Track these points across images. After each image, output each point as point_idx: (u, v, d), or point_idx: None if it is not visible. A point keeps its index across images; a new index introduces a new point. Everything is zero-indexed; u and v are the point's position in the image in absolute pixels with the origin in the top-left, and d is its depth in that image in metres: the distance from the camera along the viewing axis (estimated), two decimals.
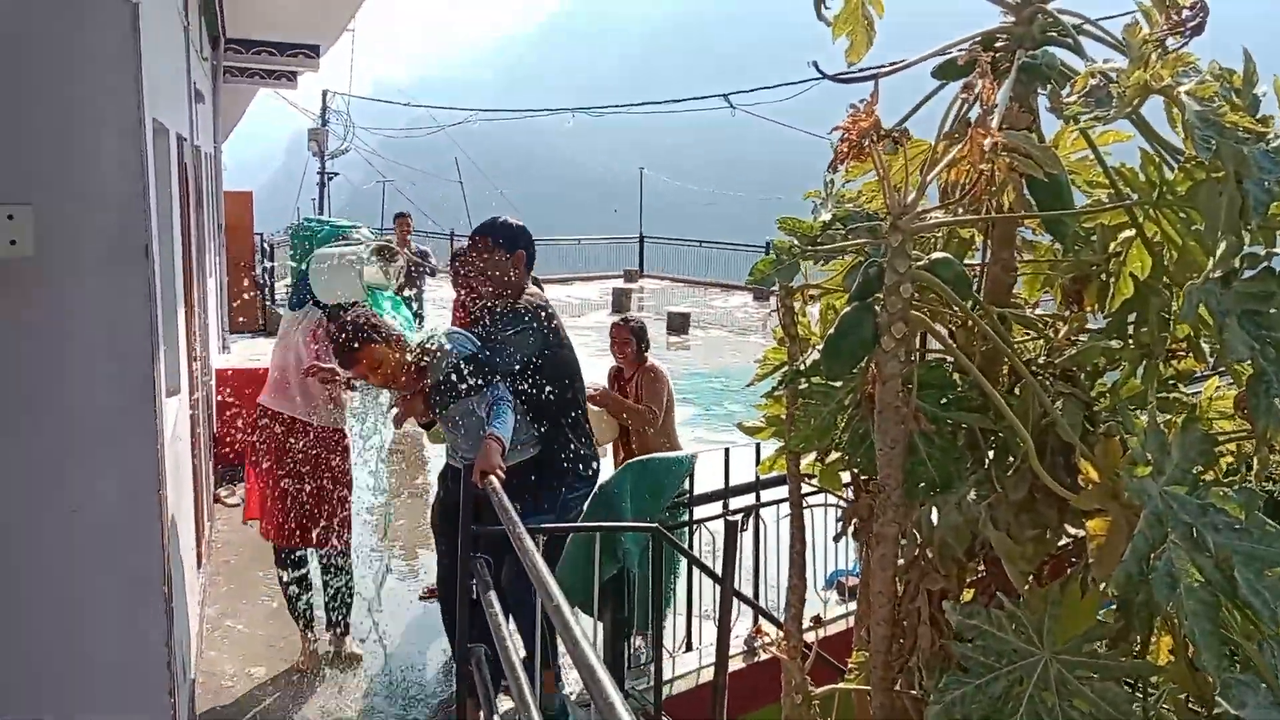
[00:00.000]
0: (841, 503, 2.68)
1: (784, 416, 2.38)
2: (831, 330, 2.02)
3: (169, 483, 2.99)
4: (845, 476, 2.49)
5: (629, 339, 5.54)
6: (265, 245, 16.68)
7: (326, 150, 27.31)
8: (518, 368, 3.86)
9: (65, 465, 2.61)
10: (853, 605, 5.16)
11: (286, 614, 4.80)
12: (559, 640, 3.87)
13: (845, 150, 1.86)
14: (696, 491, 4.77)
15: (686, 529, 4.77)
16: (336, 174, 28.43)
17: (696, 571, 4.58)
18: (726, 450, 4.82)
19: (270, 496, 4.53)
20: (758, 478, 4.79)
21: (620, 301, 19.70)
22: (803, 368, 2.26)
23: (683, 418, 11.57)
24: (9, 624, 2.58)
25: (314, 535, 4.52)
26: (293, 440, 4.48)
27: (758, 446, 4.79)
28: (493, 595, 3.10)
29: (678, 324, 17.25)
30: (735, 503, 4.91)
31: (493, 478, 3.15)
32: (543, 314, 3.97)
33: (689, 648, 4.83)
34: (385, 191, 31.98)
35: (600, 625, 4.27)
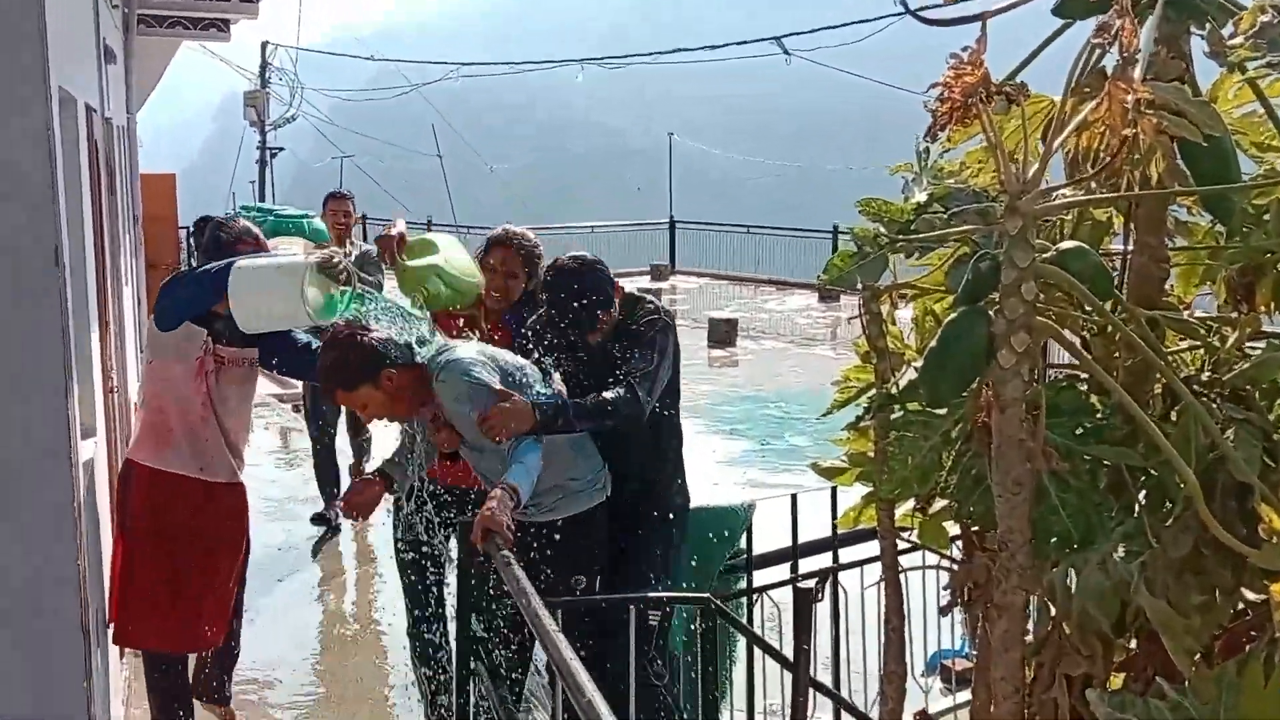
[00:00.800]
0: (948, 564, 2.69)
1: (872, 454, 2.40)
2: (933, 343, 2.04)
3: (87, 551, 3.06)
4: (953, 530, 2.51)
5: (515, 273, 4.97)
6: (192, 242, 16.88)
7: (267, 118, 27.60)
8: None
9: None
10: (963, 696, 5.15)
11: None
12: None
13: (946, 112, 1.89)
14: (756, 550, 4.79)
15: (744, 599, 4.78)
16: (281, 149, 28.72)
17: (759, 654, 4.59)
18: (794, 497, 4.84)
19: (153, 585, 4.39)
20: (835, 532, 4.81)
21: None
22: (895, 391, 2.28)
23: (731, 455, 11.67)
24: None
25: (207, 633, 4.40)
26: (181, 505, 4.26)
27: (834, 492, 4.83)
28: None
29: (721, 334, 17.27)
30: (806, 564, 4.92)
31: (499, 538, 3.18)
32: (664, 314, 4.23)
33: None
34: (343, 168, 32.28)
35: None
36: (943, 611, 2.44)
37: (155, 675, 4.47)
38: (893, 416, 2.28)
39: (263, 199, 25.57)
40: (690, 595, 4.20)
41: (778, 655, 3.89)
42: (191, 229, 13.01)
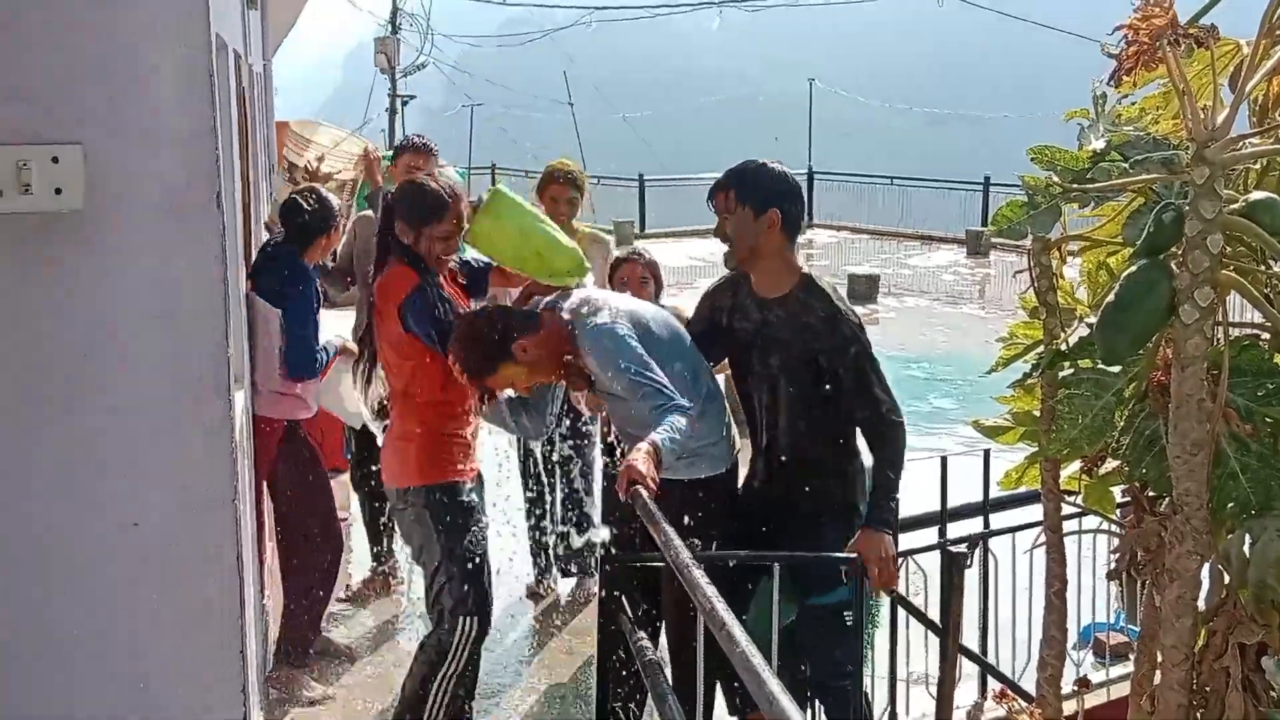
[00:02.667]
0: (1113, 529, 2.68)
1: (1038, 413, 2.39)
2: (1110, 297, 2.03)
3: (244, 494, 3.22)
4: (1119, 494, 2.50)
5: (646, 277, 5.08)
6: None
7: (398, 65, 27.97)
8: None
9: (117, 470, 2.83)
10: (1114, 670, 5.09)
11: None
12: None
13: (1132, 56, 1.87)
14: (901, 514, 4.78)
15: None
16: (412, 96, 29.09)
17: (902, 619, 4.60)
18: (943, 460, 4.81)
19: None
20: (986, 496, 4.77)
21: None
22: (1066, 347, 2.27)
23: None
24: (54, 664, 2.83)
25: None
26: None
27: (986, 455, 4.78)
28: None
29: (862, 290, 17.12)
30: (954, 529, 4.90)
31: (644, 491, 3.24)
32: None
33: (893, 719, 4.85)
34: (473, 117, 32.64)
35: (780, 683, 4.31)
36: (1110, 576, 2.44)
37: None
38: (1062, 374, 2.28)
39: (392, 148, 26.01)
40: (837, 555, 4.21)
41: (927, 620, 3.90)
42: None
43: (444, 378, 3.95)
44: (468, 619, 3.99)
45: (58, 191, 2.72)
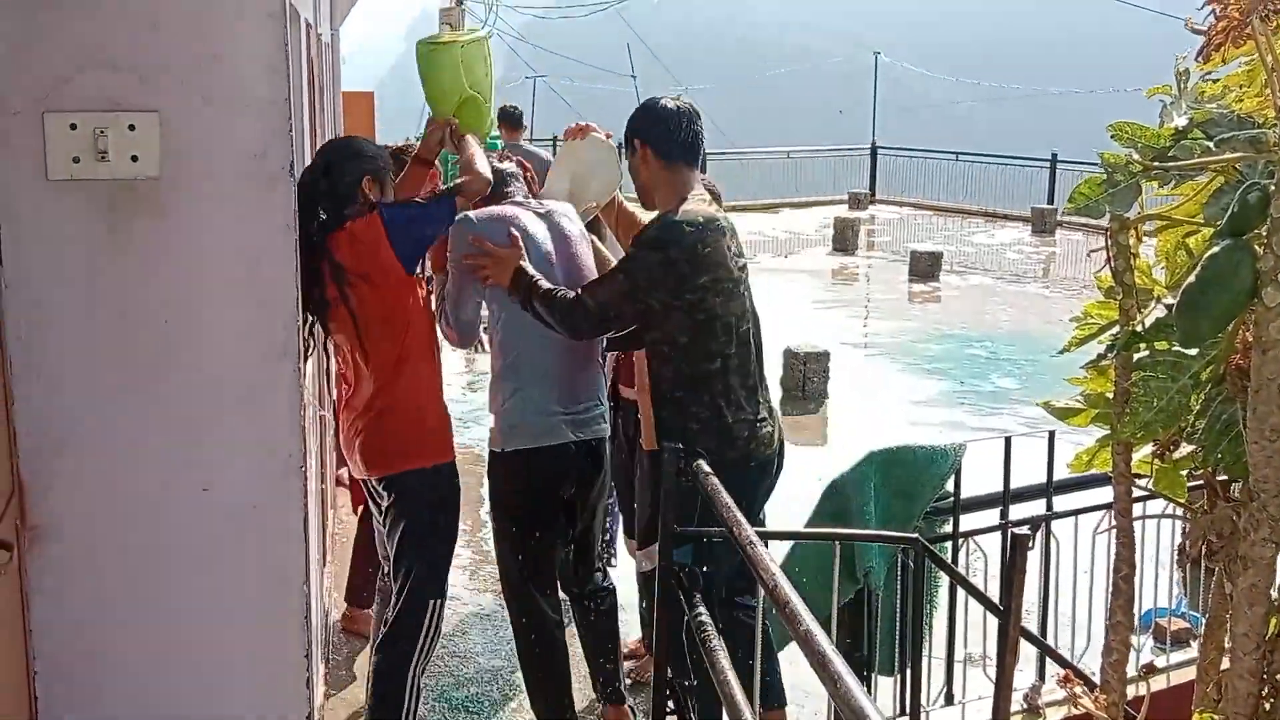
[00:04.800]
0: (1180, 514, 2.65)
1: (1111, 395, 2.36)
2: (1191, 278, 2.00)
3: (311, 462, 3.27)
4: (1191, 479, 2.46)
5: None
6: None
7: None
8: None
9: (195, 432, 2.89)
10: (1176, 656, 5.04)
11: None
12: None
13: (1221, 31, 1.83)
14: (964, 494, 4.75)
15: (950, 543, 4.76)
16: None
17: (961, 600, 4.58)
18: (1007, 440, 4.77)
19: None
20: (1050, 478, 4.73)
21: (844, 235, 19.57)
22: (1142, 329, 2.24)
23: (930, 395, 11.53)
24: (134, 617, 2.90)
25: None
26: None
27: (1050, 437, 4.74)
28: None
29: (925, 267, 16.98)
30: (1016, 511, 4.86)
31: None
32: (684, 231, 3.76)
33: (949, 701, 4.84)
34: (535, 89, 32.69)
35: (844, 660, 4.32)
36: (1179, 563, 2.40)
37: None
38: (1138, 356, 2.24)
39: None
40: (897, 535, 4.21)
41: (988, 601, 3.87)
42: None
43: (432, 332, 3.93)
44: (437, 601, 3.95)
45: (134, 159, 2.77)
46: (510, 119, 10.95)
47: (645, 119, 3.94)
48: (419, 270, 3.95)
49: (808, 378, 10.65)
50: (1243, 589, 2.06)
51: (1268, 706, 2.16)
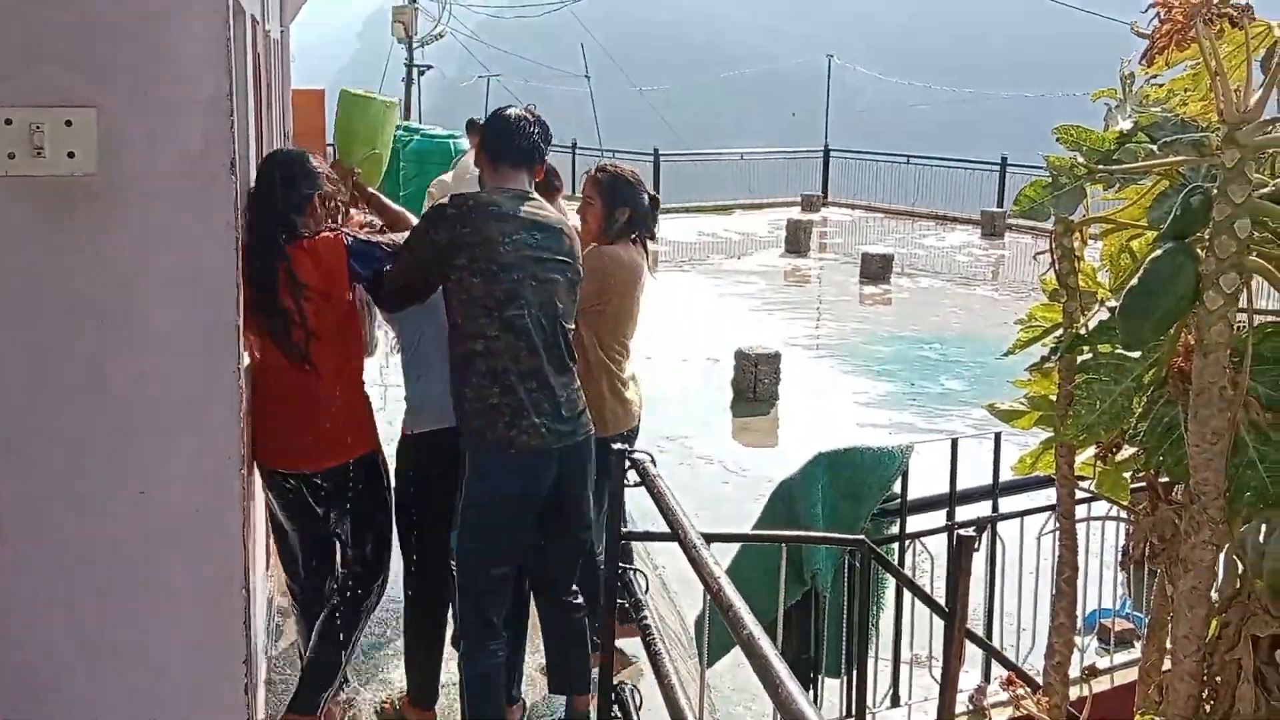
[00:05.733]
0: (1123, 516, 2.65)
1: (1055, 397, 2.36)
2: (1133, 281, 1.99)
3: (247, 453, 3.20)
4: (1131, 480, 2.47)
5: (594, 196, 4.86)
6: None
7: (415, 35, 27.87)
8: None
9: (134, 433, 2.82)
10: (1120, 656, 5.08)
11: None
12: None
13: (1164, 35, 1.83)
14: (911, 495, 4.76)
15: (896, 545, 4.77)
16: (429, 67, 29.01)
17: (908, 601, 4.59)
18: (954, 442, 4.79)
19: None
20: (996, 480, 4.75)
21: (796, 237, 19.63)
22: (1086, 331, 2.24)
23: (880, 396, 11.59)
24: (70, 621, 2.83)
25: None
26: None
27: (997, 439, 4.76)
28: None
29: (876, 269, 17.07)
30: (963, 512, 4.88)
31: None
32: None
33: (895, 702, 4.85)
34: (489, 88, 32.57)
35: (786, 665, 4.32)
36: (1122, 565, 2.41)
37: None
38: (1081, 358, 2.24)
39: (408, 118, 25.92)
40: (843, 536, 4.21)
41: (934, 603, 3.88)
42: None
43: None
44: (384, 576, 4.21)
45: (71, 155, 2.70)
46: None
47: (488, 125, 4.21)
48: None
49: (759, 379, 10.67)
50: (1183, 591, 2.07)
51: (1208, 708, 2.17)
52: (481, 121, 8.10)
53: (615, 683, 3.40)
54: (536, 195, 4.12)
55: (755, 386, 10.67)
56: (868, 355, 12.83)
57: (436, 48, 30.16)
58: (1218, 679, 2.12)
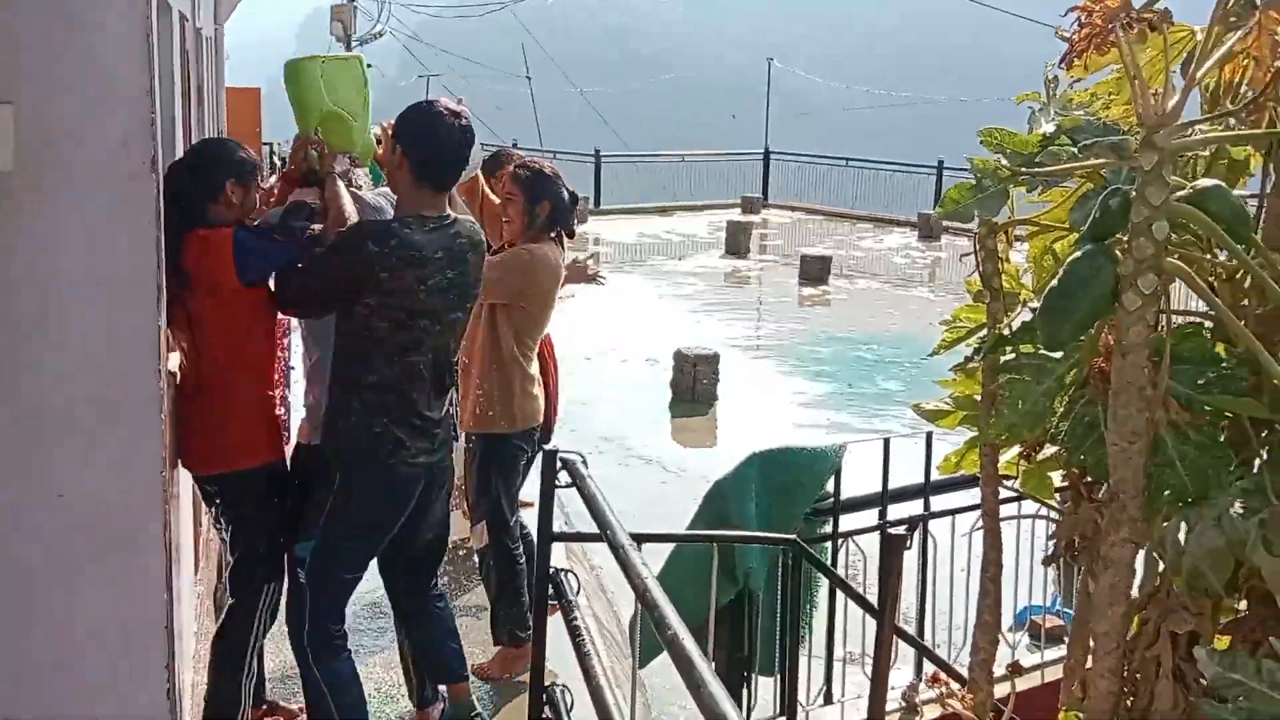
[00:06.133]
0: (1051, 514, 2.67)
1: (979, 397, 2.37)
2: (1054, 282, 2.00)
3: (169, 455, 3.14)
4: (1058, 479, 2.49)
5: (515, 192, 4.84)
6: (276, 159, 17.13)
7: (354, 34, 27.71)
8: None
9: (52, 435, 2.76)
10: (1049, 653, 5.13)
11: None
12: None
13: (1084, 38, 1.84)
14: (844, 495, 4.79)
15: (829, 544, 4.79)
16: (369, 66, 28.79)
17: (840, 600, 4.61)
18: (886, 442, 4.82)
19: None
20: (928, 479, 4.79)
21: (736, 239, 19.69)
22: (1009, 332, 2.25)
23: (817, 397, 11.65)
24: None
25: None
26: None
27: (928, 438, 4.79)
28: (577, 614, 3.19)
29: (814, 271, 17.18)
30: (895, 511, 4.91)
31: None
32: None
33: (828, 700, 4.87)
34: (429, 88, 32.40)
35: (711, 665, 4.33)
36: (1045, 563, 2.43)
37: None
38: (1004, 359, 2.26)
39: None
40: (775, 536, 4.23)
41: (863, 601, 3.90)
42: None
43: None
44: (274, 583, 4.04)
45: None
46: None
47: (416, 134, 3.81)
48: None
49: (698, 380, 10.68)
50: (1103, 589, 2.08)
51: (1128, 704, 2.19)
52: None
53: (547, 684, 3.38)
54: (452, 213, 3.90)
55: (694, 387, 10.68)
56: (806, 356, 12.90)
57: (377, 47, 29.96)
58: (1138, 676, 2.14)
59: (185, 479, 4.05)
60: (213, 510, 3.98)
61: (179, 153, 4.37)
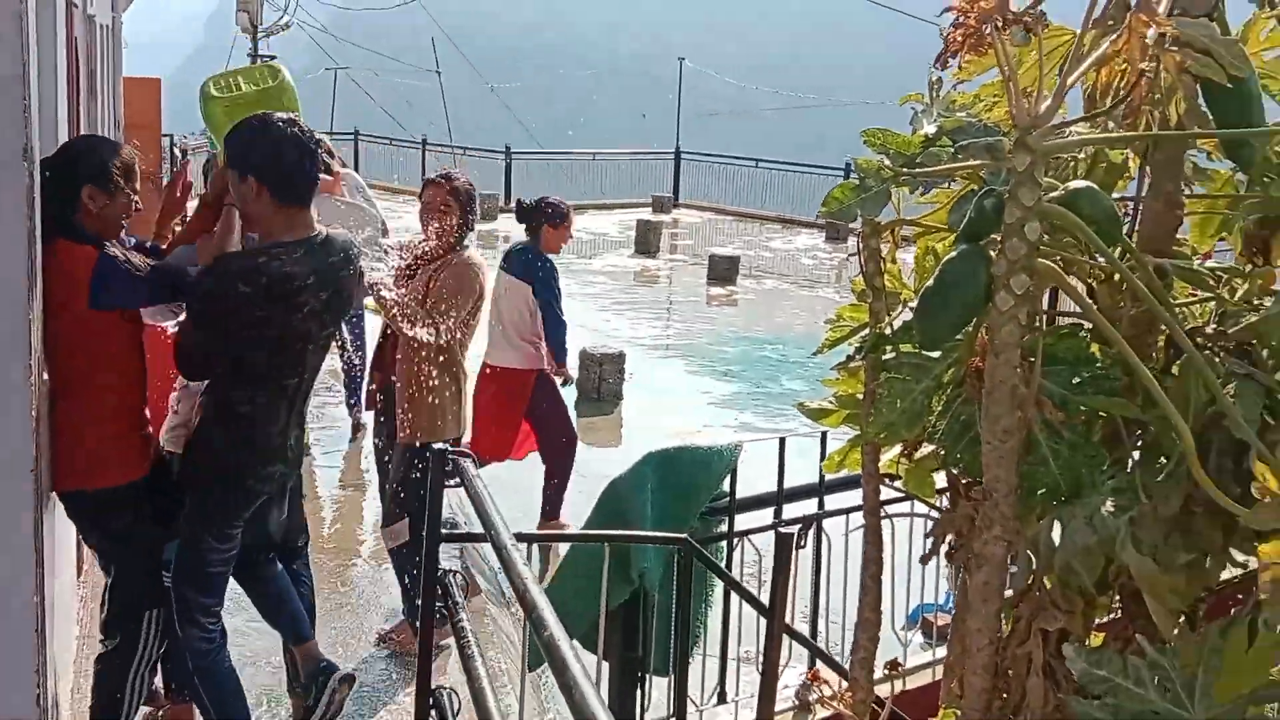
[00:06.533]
0: (933, 513, 2.69)
1: (860, 396, 2.38)
2: (930, 282, 2.01)
3: (44, 459, 3.05)
4: (940, 479, 2.50)
5: (449, 204, 5.23)
6: (177, 151, 16.79)
7: (261, 25, 27.31)
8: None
9: None
10: (943, 650, 5.19)
11: None
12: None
13: (958, 39, 1.85)
14: (740, 494, 4.80)
15: (725, 543, 4.80)
16: (273, 57, 28.41)
17: (736, 599, 4.62)
18: (782, 441, 4.85)
19: None
20: (822, 478, 4.82)
21: (646, 238, 19.71)
22: (889, 331, 2.26)
23: (724, 396, 11.68)
24: None
25: None
26: None
27: (823, 437, 4.82)
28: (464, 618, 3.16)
29: (723, 271, 17.25)
30: (791, 510, 4.93)
31: None
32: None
33: (722, 699, 4.88)
34: (337, 81, 31.98)
35: (605, 665, 4.31)
36: (922, 560, 2.44)
37: None
38: (885, 358, 2.26)
39: None
40: (667, 535, 4.21)
41: (754, 600, 3.91)
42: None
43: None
44: (155, 611, 3.94)
45: None
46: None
47: (257, 156, 3.70)
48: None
49: (603, 379, 10.67)
50: (976, 586, 2.09)
51: (1002, 700, 2.21)
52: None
53: (434, 687, 3.34)
54: (319, 226, 3.84)
55: (599, 386, 10.66)
56: (713, 355, 12.95)
57: (285, 40, 29.56)
58: (1009, 672, 2.16)
59: None
60: (80, 530, 3.91)
61: (63, 141, 4.24)
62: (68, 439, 3.60)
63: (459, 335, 5.15)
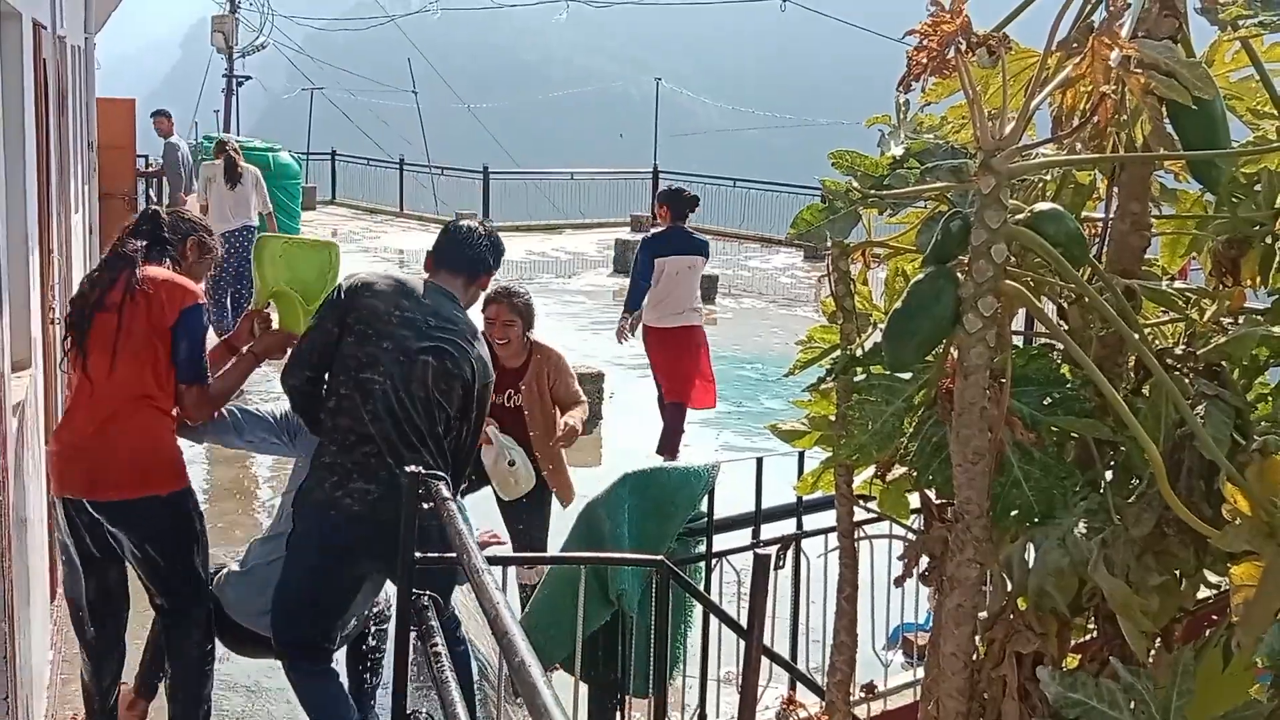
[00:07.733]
0: (908, 534, 2.69)
1: (833, 418, 2.38)
2: (899, 304, 2.02)
3: (13, 482, 3.02)
4: (913, 500, 2.50)
5: (513, 319, 5.76)
6: (151, 171, 16.71)
7: (236, 45, 27.28)
8: None
9: None
10: (920, 672, 5.19)
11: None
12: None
13: (922, 62, 1.86)
14: (718, 515, 4.79)
15: (703, 564, 4.78)
16: (249, 78, 28.39)
17: (715, 621, 4.60)
18: (759, 461, 4.84)
19: None
20: (799, 498, 4.81)
21: (625, 257, 19.68)
22: (860, 353, 2.26)
23: (704, 416, 11.64)
24: None
25: None
26: None
27: (800, 458, 4.82)
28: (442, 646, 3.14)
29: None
30: (769, 530, 4.92)
31: None
32: None
33: (702, 719, 4.85)
34: (313, 102, 31.94)
35: (584, 688, 4.29)
36: (896, 583, 2.44)
37: None
38: (856, 380, 2.26)
39: (228, 129, 25.24)
40: (644, 557, 4.20)
41: (733, 622, 3.90)
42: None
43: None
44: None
45: None
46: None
47: (441, 234, 4.26)
48: None
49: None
50: (950, 609, 2.09)
51: None
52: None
53: (409, 711, 3.32)
54: (457, 300, 4.11)
55: None
56: None
57: (261, 60, 29.56)
58: (985, 695, 2.16)
59: (36, 505, 3.90)
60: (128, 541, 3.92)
61: (30, 161, 4.22)
62: (170, 443, 3.94)
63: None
